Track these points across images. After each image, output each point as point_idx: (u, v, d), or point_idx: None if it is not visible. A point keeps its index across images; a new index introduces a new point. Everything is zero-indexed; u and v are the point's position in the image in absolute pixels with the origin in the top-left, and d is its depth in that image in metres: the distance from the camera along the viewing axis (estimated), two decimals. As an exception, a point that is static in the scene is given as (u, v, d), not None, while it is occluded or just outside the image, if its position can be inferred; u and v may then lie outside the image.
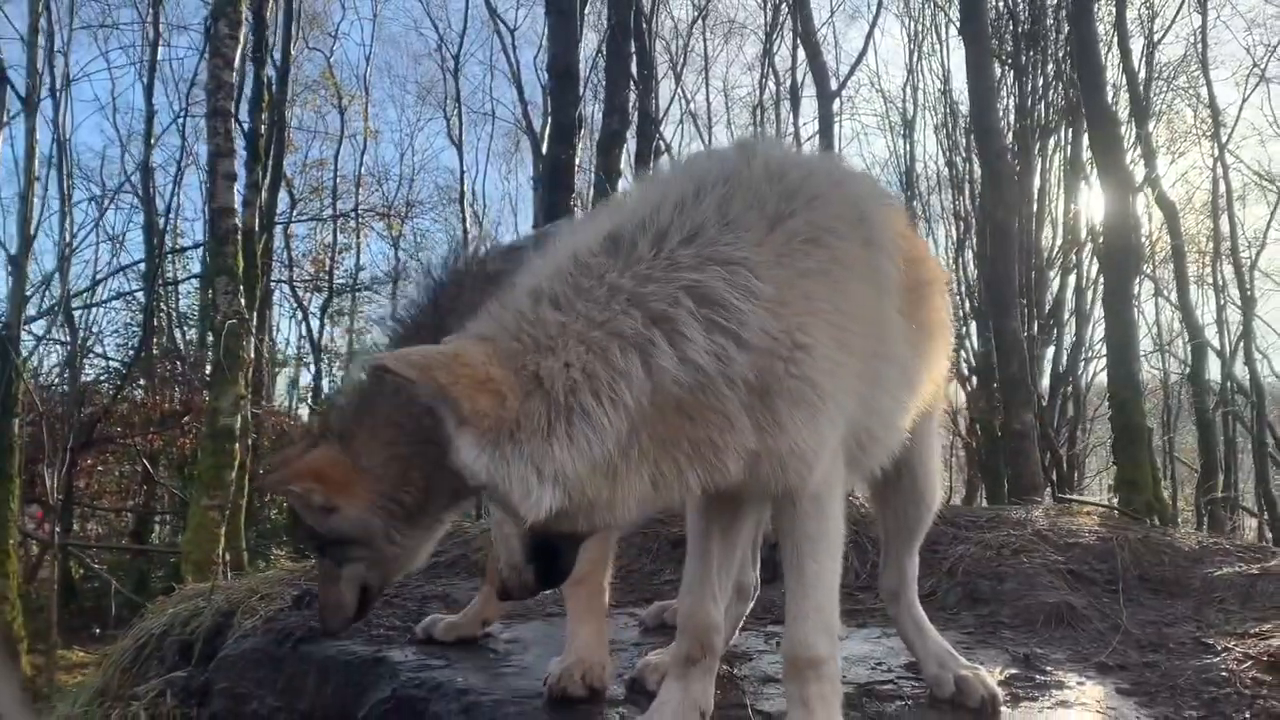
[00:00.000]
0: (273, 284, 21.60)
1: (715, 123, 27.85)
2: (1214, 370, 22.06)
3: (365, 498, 2.77)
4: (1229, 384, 22.98)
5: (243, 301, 8.63)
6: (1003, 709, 2.50)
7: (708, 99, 27.90)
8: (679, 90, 25.94)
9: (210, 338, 20.83)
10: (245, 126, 11.44)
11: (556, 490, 1.73)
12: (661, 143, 23.60)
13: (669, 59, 25.81)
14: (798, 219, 1.90)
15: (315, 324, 25.44)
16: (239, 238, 8.75)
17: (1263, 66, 23.91)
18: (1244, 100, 24.50)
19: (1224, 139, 22.63)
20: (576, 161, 9.61)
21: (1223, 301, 24.48)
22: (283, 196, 22.72)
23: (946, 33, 23.41)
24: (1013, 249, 11.78)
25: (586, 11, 15.99)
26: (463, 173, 26.98)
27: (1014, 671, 2.82)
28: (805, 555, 2.07)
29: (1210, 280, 24.28)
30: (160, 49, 21.08)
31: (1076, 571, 3.71)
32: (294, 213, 25.08)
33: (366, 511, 2.77)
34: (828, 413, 1.89)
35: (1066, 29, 18.26)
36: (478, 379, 1.71)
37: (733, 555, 2.36)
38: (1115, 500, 9.38)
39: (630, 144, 16.02)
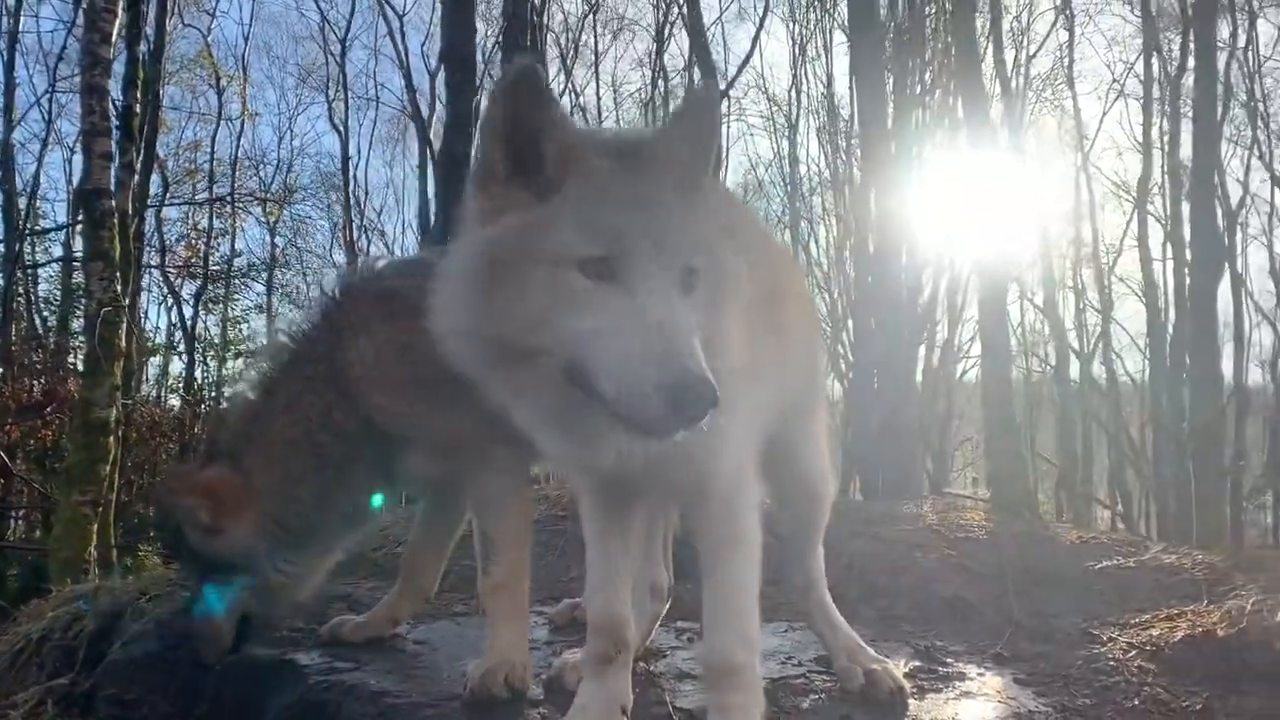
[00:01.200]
0: (143, 269, 20.68)
1: (605, 118, 27.92)
2: (1074, 370, 23.22)
3: (251, 520, 2.71)
4: (1086, 384, 24.23)
5: (119, 288, 8.26)
6: (910, 700, 2.60)
7: (597, 94, 27.94)
8: (569, 85, 25.88)
9: (74, 324, 19.95)
10: (119, 105, 10.87)
11: None
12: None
13: (559, 53, 25.74)
14: None
15: (188, 312, 24.49)
16: (115, 221, 8.36)
17: (1121, 82, 25.32)
18: (1104, 114, 25.92)
19: (1086, 150, 23.86)
20: (472, 152, 9.48)
21: (1082, 305, 25.80)
22: (155, 179, 21.78)
23: (831, 38, 24.03)
24: (900, 250, 12.16)
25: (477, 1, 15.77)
26: (346, 159, 26.35)
27: (917, 664, 2.92)
28: (720, 561, 2.08)
29: (1070, 284, 25.56)
30: (21, 20, 19.98)
31: (968, 566, 3.86)
32: (167, 196, 24.08)
33: (251, 534, 2.72)
34: (728, 414, 1.91)
35: (946, 37, 18.94)
36: None
37: (635, 551, 2.37)
38: (987, 494, 9.80)
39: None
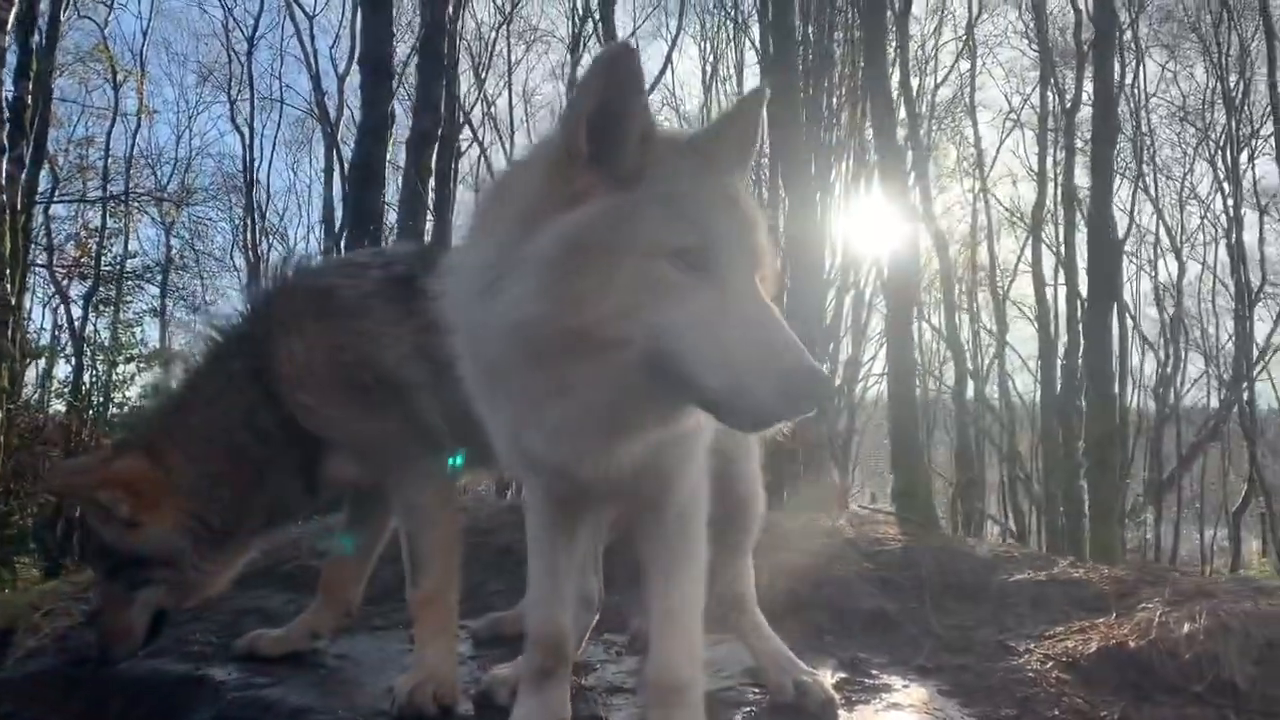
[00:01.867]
0: (30, 268, 19.77)
1: (517, 129, 27.82)
2: (968, 391, 23.93)
3: (172, 516, 2.64)
4: (981, 404, 25.02)
5: (9, 287, 7.86)
6: (840, 712, 2.62)
7: (510, 104, 27.82)
8: (481, 94, 25.71)
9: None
10: (9, 97, 10.39)
11: None
12: (461, 145, 23.38)
13: (470, 61, 25.57)
14: None
15: (77, 313, 23.49)
16: (6, 216, 7.97)
17: (1018, 113, 26.33)
18: (1001, 143, 26.92)
19: (985, 177, 24.73)
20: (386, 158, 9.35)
21: (976, 327, 26.65)
22: (44, 175, 20.87)
23: (742, 57, 24.40)
24: (820, 269, 12.36)
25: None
26: (251, 161, 25.69)
27: (844, 675, 2.95)
28: (671, 579, 2.07)
29: (965, 307, 26.40)
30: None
31: (886, 578, 3.91)
32: (57, 192, 23.11)
33: (173, 531, 2.64)
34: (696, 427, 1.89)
35: (855, 61, 19.41)
36: None
37: (577, 564, 2.35)
38: (893, 508, 9.99)
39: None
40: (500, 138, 26.97)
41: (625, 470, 1.81)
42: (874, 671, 3.01)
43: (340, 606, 3.11)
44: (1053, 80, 23.39)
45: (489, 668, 2.90)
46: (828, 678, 2.80)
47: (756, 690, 2.77)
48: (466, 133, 24.47)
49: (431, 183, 11.51)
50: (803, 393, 1.53)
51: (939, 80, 25.19)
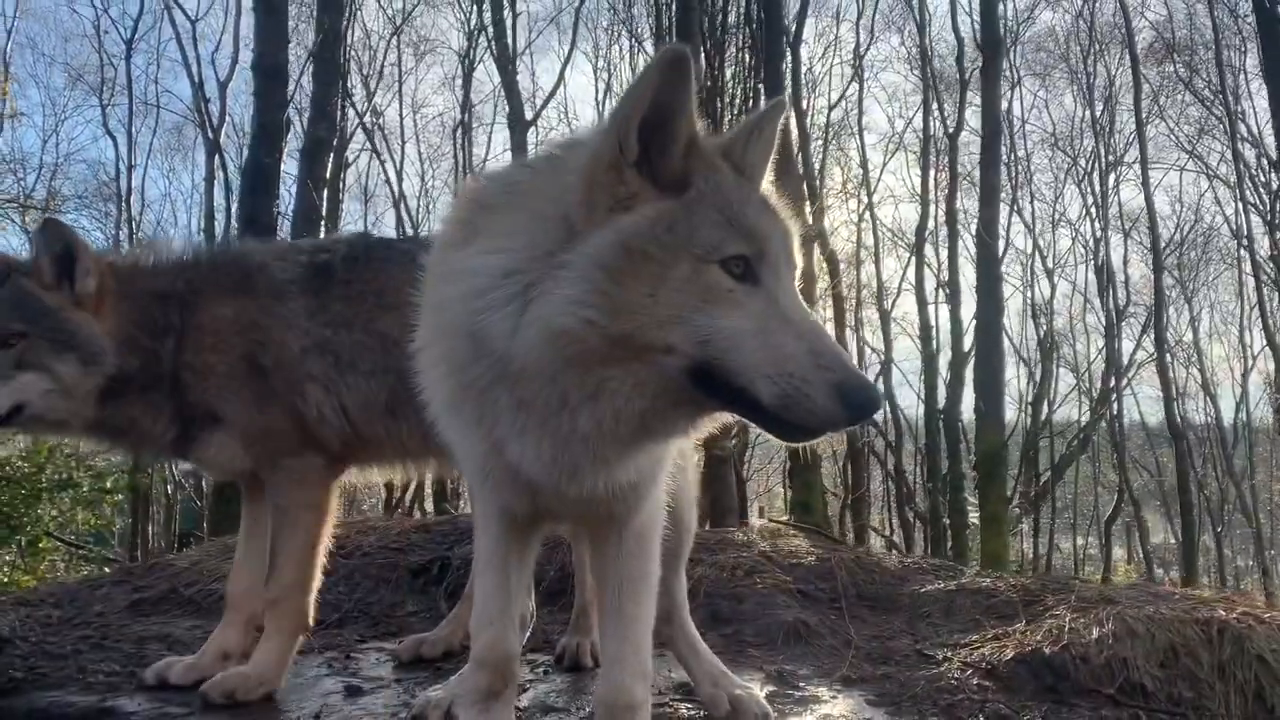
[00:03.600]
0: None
1: (407, 140, 27.43)
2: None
3: (106, 324, 2.79)
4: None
5: None
6: (774, 725, 2.64)
7: (400, 115, 27.41)
8: (371, 104, 25.23)
9: None
10: None
11: None
12: (350, 155, 22.95)
13: (359, 70, 25.08)
14: None
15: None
16: None
17: (900, 134, 27.19)
18: (884, 164, 27.77)
19: (870, 198, 25.46)
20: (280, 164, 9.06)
21: (862, 345, 27.34)
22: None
23: (634, 73, 24.55)
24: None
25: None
26: (129, 167, 24.67)
27: (772, 688, 2.98)
28: (626, 597, 2.06)
29: (851, 325, 27.05)
30: None
31: (804, 590, 3.97)
32: (-90, 196, 21.73)
33: (101, 334, 2.77)
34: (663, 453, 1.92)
35: (743, 86, 19.74)
36: None
37: (526, 583, 2.32)
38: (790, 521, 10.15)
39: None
40: (389, 149, 26.51)
41: (618, 486, 1.80)
42: (800, 683, 3.04)
43: (248, 624, 3.02)
44: (935, 104, 24.28)
45: (416, 691, 2.84)
46: (759, 691, 2.82)
47: (689, 705, 2.77)
48: (355, 142, 23.96)
49: (325, 191, 11.20)
50: (859, 403, 1.53)
51: (831, 103, 25.80)
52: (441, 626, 3.29)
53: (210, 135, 21.97)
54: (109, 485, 16.75)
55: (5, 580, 13.91)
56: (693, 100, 1.64)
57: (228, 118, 23.01)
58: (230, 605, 3.04)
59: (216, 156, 21.74)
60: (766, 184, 1.85)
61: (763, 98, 14.75)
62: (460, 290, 1.71)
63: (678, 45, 1.62)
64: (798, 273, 1.75)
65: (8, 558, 15.87)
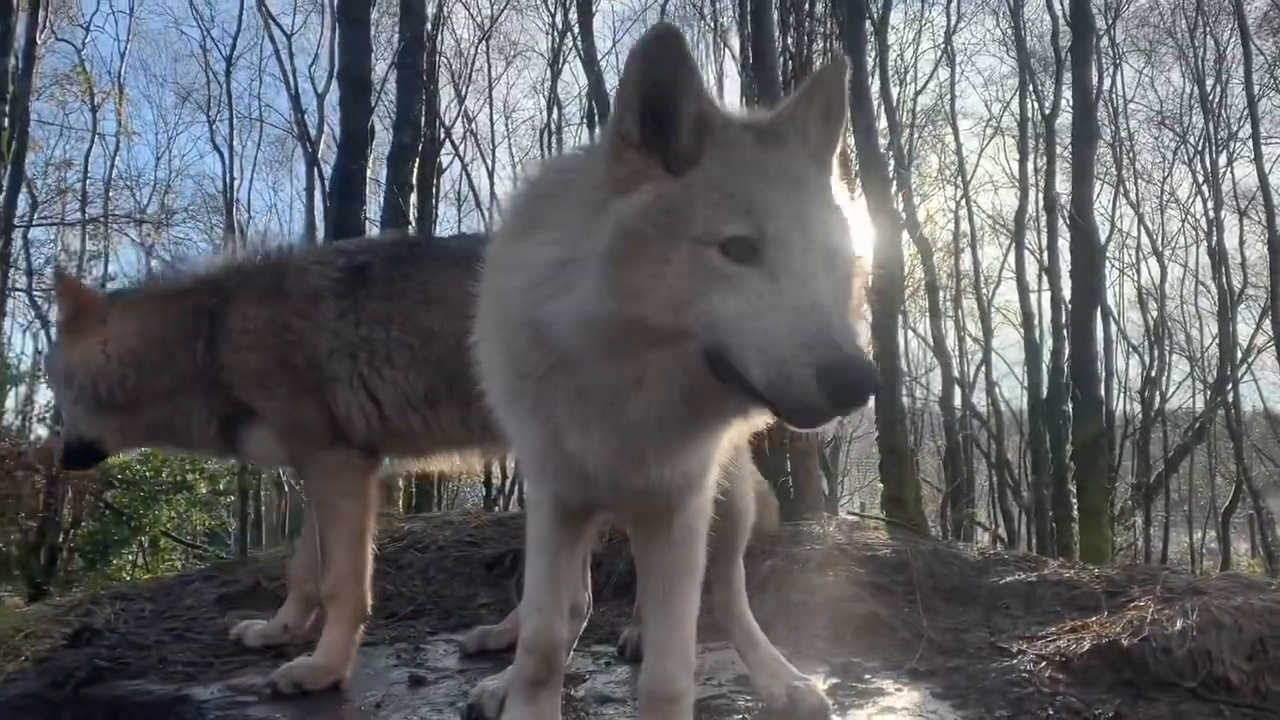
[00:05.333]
0: (9, 293, 19.64)
1: (498, 144, 27.84)
2: (955, 398, 23.98)
3: (81, 348, 3.06)
4: (968, 411, 25.06)
5: (-13, 310, 7.78)
6: (833, 718, 2.59)
7: (491, 120, 27.85)
8: (462, 110, 25.70)
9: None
10: (-14, 119, 10.36)
11: None
12: (444, 160, 23.37)
13: (450, 78, 25.56)
14: None
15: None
16: (-16, 239, 7.92)
17: (998, 119, 26.47)
18: (982, 150, 27.04)
19: (966, 184, 24.85)
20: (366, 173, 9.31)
21: (962, 334, 26.72)
22: (22, 198, 20.74)
23: (722, 69, 24.46)
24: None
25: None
26: (231, 180, 25.60)
27: (836, 681, 2.93)
28: (674, 588, 2.05)
29: (950, 314, 26.47)
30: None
31: (877, 583, 3.89)
32: (35, 216, 22.96)
33: (78, 359, 3.05)
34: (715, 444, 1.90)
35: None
36: None
37: (576, 573, 2.33)
38: (883, 515, 9.98)
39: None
40: (481, 153, 26.96)
41: (677, 475, 1.78)
42: (866, 676, 2.98)
43: (306, 600, 3.26)
44: (1032, 87, 23.58)
45: (476, 680, 2.87)
46: (820, 683, 2.77)
47: (748, 697, 2.75)
48: (448, 148, 24.43)
49: (414, 198, 11.46)
50: (837, 386, 1.43)
51: (919, 88, 25.29)
52: (508, 619, 3.32)
53: (309, 146, 22.66)
54: (221, 487, 17.47)
55: (129, 578, 14.61)
56: (693, 76, 1.60)
57: (326, 128, 23.72)
58: (291, 585, 3.35)
59: (315, 167, 22.44)
60: (828, 153, 1.76)
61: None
62: (519, 281, 1.71)
63: (663, 24, 1.61)
64: (831, 249, 1.62)
65: (130, 557, 16.68)
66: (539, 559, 2.16)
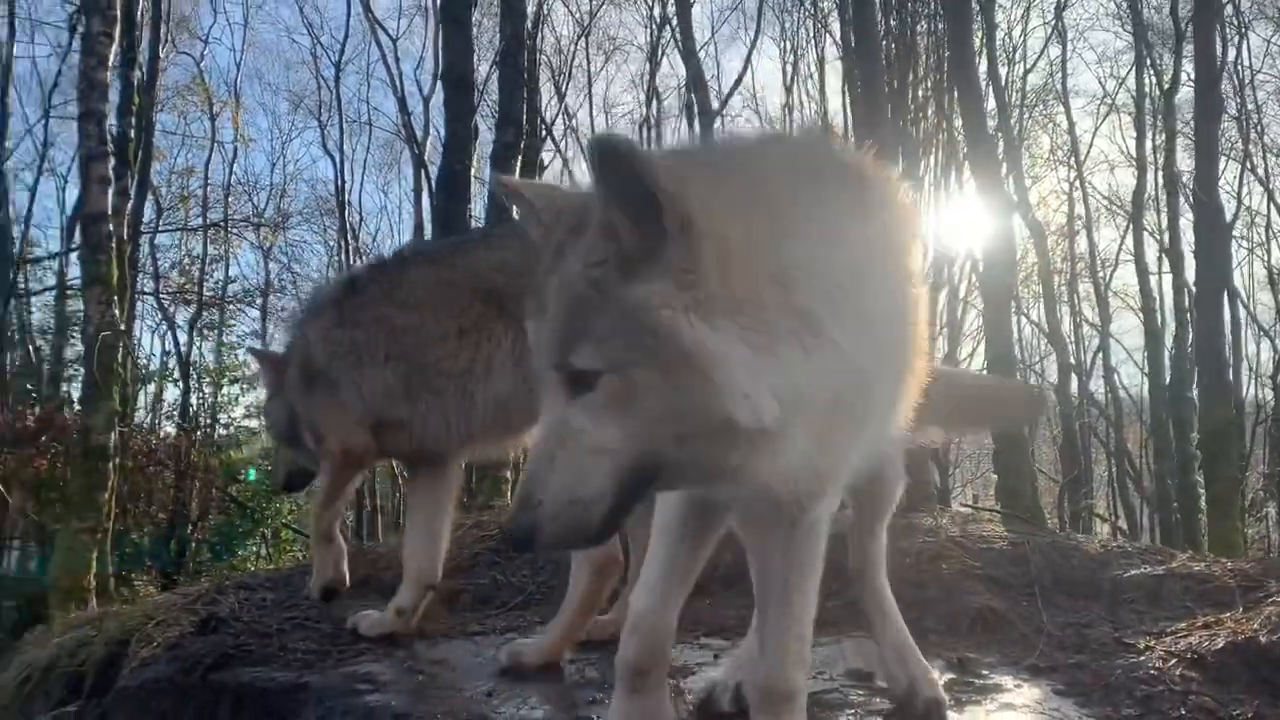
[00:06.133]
0: (138, 295, 20.59)
1: (598, 140, 27.90)
2: (1072, 386, 23.17)
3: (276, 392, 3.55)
4: (1084, 399, 24.19)
5: (117, 313, 8.19)
6: (949, 713, 2.52)
7: (590, 116, 27.99)
8: (562, 107, 25.92)
9: (68, 352, 19.88)
10: (114, 131, 10.84)
11: (780, 408, 1.48)
12: (545, 157, 23.61)
13: (550, 75, 25.79)
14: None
15: (183, 338, 24.33)
16: (114, 245, 8.31)
17: (1113, 97, 25.44)
18: (1096, 129, 26.02)
19: (1081, 164, 23.95)
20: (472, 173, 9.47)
21: (1078, 320, 25.80)
22: (148, 205, 21.73)
23: (823, 54, 24.12)
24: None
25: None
26: (342, 183, 26.33)
27: (952, 676, 2.84)
28: (794, 584, 1.99)
29: (1065, 299, 25.57)
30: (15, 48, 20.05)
31: (993, 576, 3.78)
32: (160, 222, 24.02)
33: (276, 405, 3.55)
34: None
35: (938, 53, 19.02)
36: (709, 229, 1.46)
37: (696, 565, 2.28)
38: (998, 507, 9.70)
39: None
40: (581, 149, 27.13)
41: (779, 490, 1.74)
42: (984, 671, 2.90)
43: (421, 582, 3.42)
44: (1149, 62, 22.57)
45: (587, 671, 2.88)
46: (937, 676, 2.69)
47: (860, 692, 2.69)
48: (549, 145, 24.68)
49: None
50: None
51: (1028, 67, 24.44)
52: (614, 609, 3.33)
53: (415, 148, 23.15)
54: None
55: (251, 568, 15.20)
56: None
57: (431, 129, 24.20)
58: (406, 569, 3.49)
59: (422, 168, 22.91)
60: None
61: (953, 67, 14.16)
62: None
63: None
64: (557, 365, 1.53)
65: (253, 548, 17.37)
66: (659, 544, 2.15)
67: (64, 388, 19.83)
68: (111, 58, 8.63)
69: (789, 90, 25.76)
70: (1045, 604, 3.55)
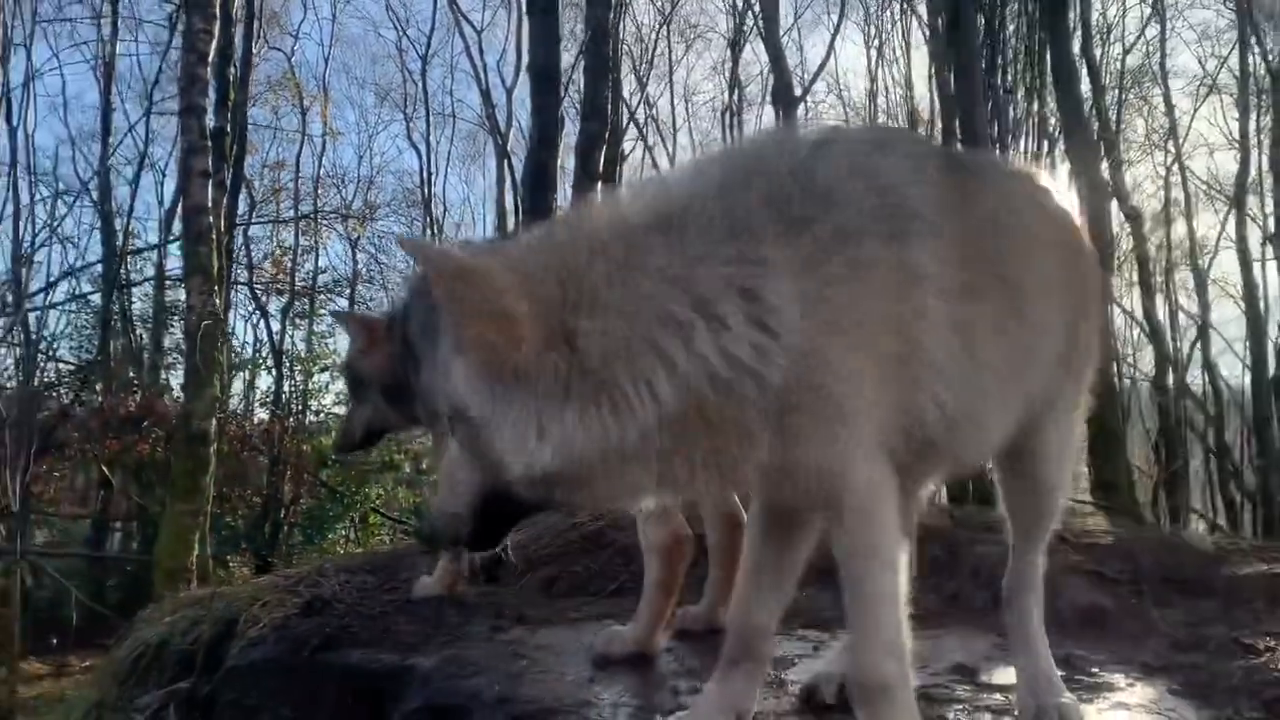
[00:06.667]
0: (232, 286, 21.18)
1: (679, 128, 27.92)
2: (1168, 377, 22.42)
3: (381, 360, 3.64)
4: (1181, 391, 23.39)
5: (217, 302, 8.45)
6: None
7: (671, 104, 27.96)
8: (644, 95, 25.92)
9: (166, 341, 20.56)
10: (211, 126, 11.17)
11: (555, 457, 1.67)
12: (626, 147, 23.64)
13: (631, 64, 25.82)
14: (820, 224, 1.83)
15: (275, 326, 24.98)
16: (214, 236, 8.57)
17: (1213, 77, 24.49)
18: (1195, 110, 25.09)
19: (1179, 146, 23.14)
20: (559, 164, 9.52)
21: (1174, 309, 24.97)
22: (242, 198, 22.32)
23: (909, 39, 23.70)
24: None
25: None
26: (430, 175, 26.74)
27: (1060, 673, 2.76)
28: (857, 572, 1.95)
29: (1162, 288, 24.75)
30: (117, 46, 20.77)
31: (1100, 572, 3.68)
32: (254, 214, 24.68)
33: (377, 368, 3.66)
34: (849, 425, 1.82)
35: (1027, 39, 18.55)
36: (494, 308, 1.66)
37: (786, 565, 2.26)
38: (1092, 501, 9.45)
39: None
40: (662, 138, 27.12)
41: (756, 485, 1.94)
42: (1093, 669, 2.82)
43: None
44: (1254, 39, 21.65)
45: (684, 659, 2.89)
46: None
47: (966, 688, 2.64)
48: (630, 135, 24.70)
49: (599, 186, 11.62)
50: None
51: (1126, 47, 23.64)
52: (704, 600, 3.31)
53: (499, 140, 23.40)
54: (424, 466, 18.34)
55: (341, 551, 15.59)
56: None
57: (514, 121, 24.42)
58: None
59: (505, 160, 23.17)
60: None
61: (1048, 49, 13.79)
62: None
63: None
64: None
65: (343, 532, 17.80)
66: (746, 547, 2.19)
67: (162, 375, 20.52)
68: (210, 53, 8.88)
69: (873, 76, 25.40)
70: (1155, 601, 3.45)
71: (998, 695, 2.59)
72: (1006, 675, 2.76)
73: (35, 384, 15.58)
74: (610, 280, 1.71)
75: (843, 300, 1.79)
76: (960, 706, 2.52)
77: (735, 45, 24.94)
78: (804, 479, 1.85)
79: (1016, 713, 2.39)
